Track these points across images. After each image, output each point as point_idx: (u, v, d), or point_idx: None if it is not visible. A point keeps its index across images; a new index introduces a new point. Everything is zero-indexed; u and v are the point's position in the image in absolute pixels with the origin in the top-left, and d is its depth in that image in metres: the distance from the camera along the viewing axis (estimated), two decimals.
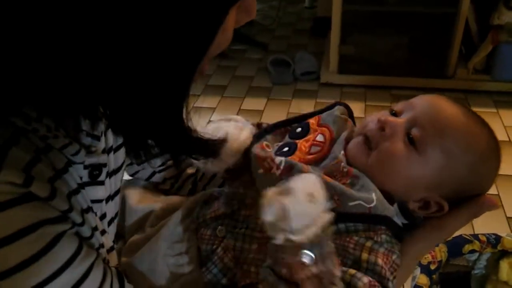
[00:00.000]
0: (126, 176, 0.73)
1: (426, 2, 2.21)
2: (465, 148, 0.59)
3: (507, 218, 1.55)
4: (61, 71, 0.39)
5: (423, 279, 1.02)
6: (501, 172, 0.63)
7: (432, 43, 2.26)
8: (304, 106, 2.21)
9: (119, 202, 0.62)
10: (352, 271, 0.52)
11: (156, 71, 0.40)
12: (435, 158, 0.59)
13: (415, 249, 0.60)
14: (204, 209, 0.64)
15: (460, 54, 2.23)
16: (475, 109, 0.67)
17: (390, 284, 0.54)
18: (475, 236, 1.09)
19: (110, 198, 0.58)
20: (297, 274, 0.45)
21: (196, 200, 0.67)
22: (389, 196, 0.58)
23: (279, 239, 0.45)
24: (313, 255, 0.46)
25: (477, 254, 1.11)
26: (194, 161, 0.64)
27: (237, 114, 1.84)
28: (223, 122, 0.66)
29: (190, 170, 0.79)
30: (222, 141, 0.56)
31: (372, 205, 0.55)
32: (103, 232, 0.53)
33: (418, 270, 1.03)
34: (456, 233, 0.70)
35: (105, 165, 0.54)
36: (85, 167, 0.51)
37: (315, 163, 0.62)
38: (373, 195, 0.56)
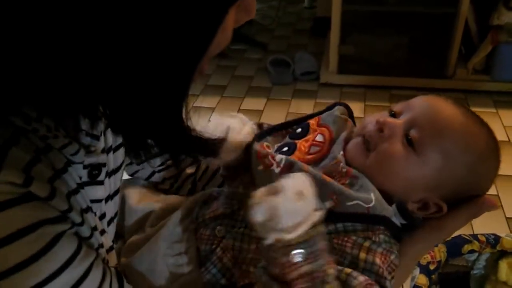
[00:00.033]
0: (126, 176, 0.73)
1: (426, 2, 2.21)
2: (464, 149, 0.59)
3: (507, 218, 1.55)
4: (61, 71, 0.39)
5: (422, 279, 1.02)
6: (500, 172, 0.63)
7: (432, 43, 2.26)
8: (304, 106, 2.21)
9: (118, 202, 0.63)
10: (348, 270, 0.52)
11: (156, 70, 0.40)
12: (433, 159, 0.59)
13: (414, 249, 0.60)
14: (204, 209, 0.65)
15: (460, 54, 2.23)
16: (474, 109, 0.67)
17: (387, 283, 0.53)
18: (475, 236, 1.09)
19: (109, 197, 0.58)
20: (289, 274, 0.45)
21: (195, 200, 0.67)
22: (388, 197, 0.58)
23: (270, 238, 0.45)
24: (304, 254, 0.45)
25: (476, 254, 1.11)
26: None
27: None
28: (227, 117, 0.66)
29: (189, 170, 0.79)
30: (222, 140, 0.56)
31: (370, 205, 0.55)
32: (102, 232, 0.53)
33: (417, 270, 1.03)
34: (455, 233, 0.70)
35: (104, 164, 0.54)
36: (85, 167, 0.51)
37: (314, 163, 0.62)
38: (372, 195, 0.56)
